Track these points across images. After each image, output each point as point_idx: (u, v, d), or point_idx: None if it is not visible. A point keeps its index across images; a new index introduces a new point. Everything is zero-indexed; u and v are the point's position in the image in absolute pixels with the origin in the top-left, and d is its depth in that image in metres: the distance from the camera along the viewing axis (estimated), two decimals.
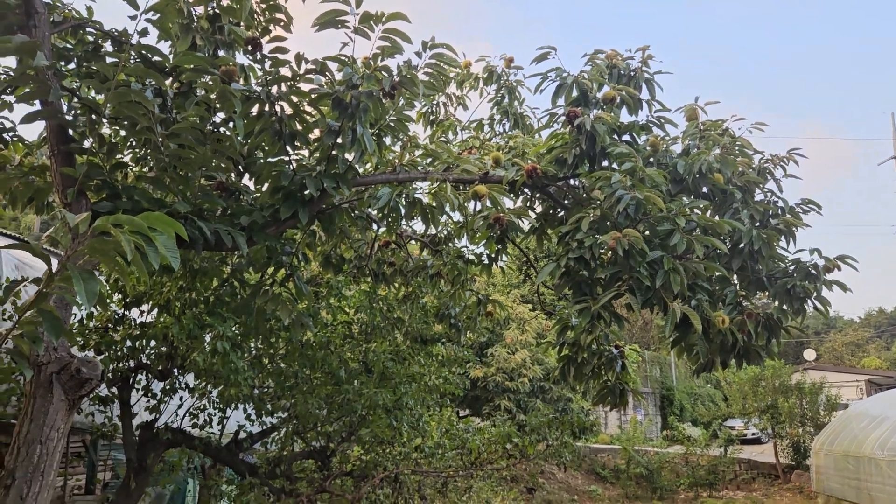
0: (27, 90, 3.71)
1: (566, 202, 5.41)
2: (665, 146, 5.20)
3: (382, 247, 7.10)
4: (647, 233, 4.43)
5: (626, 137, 5.19)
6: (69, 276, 2.36)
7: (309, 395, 6.49)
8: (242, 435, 7.18)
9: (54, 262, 2.50)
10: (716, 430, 24.49)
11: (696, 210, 4.60)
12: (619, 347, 5.54)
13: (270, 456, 7.13)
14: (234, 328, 5.69)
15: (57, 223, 5.80)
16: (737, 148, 5.21)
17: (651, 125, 5.30)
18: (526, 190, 5.48)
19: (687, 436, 22.93)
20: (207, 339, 5.70)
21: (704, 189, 5.06)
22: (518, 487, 18.09)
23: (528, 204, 5.84)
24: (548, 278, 4.76)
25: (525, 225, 5.49)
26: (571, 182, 5.37)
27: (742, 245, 4.87)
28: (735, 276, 5.12)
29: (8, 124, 5.12)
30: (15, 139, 5.20)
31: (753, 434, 27.32)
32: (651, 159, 5.05)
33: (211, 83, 4.05)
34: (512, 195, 5.16)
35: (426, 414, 7.50)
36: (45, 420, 3.30)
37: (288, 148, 4.38)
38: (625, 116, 5.28)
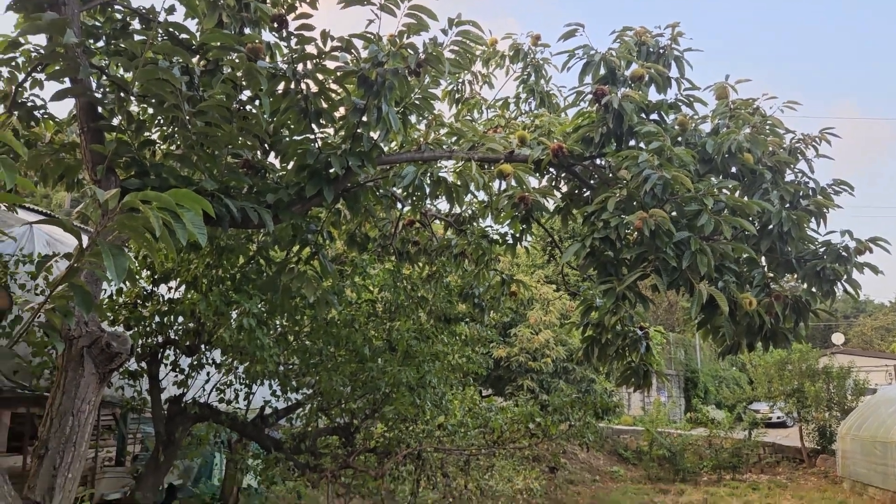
0: (57, 68, 3.75)
1: (592, 182, 5.36)
2: (694, 125, 5.11)
3: (407, 226, 7.11)
4: (673, 213, 4.37)
5: (654, 116, 5.12)
6: (99, 251, 2.40)
7: (333, 373, 6.55)
8: (268, 411, 7.28)
9: (85, 238, 2.54)
10: (740, 414, 24.28)
11: (724, 190, 4.53)
12: (643, 329, 5.50)
13: (295, 432, 7.23)
14: (259, 305, 5.75)
15: (87, 200, 5.89)
16: (767, 127, 5.11)
17: (680, 104, 5.22)
18: (552, 169, 5.43)
19: (711, 418, 22.80)
20: (234, 315, 5.78)
21: (733, 169, 4.98)
22: (540, 467, 18.14)
23: (553, 184, 5.79)
24: (573, 258, 4.73)
25: (550, 205, 5.45)
26: (598, 162, 5.32)
27: (771, 226, 4.79)
28: (763, 258, 5.04)
29: (38, 102, 5.20)
30: (45, 117, 5.28)
31: (779, 418, 27.06)
32: (679, 139, 4.97)
33: (237, 61, 4.06)
34: (537, 174, 5.12)
35: (449, 393, 7.55)
36: (76, 393, 3.37)
37: (313, 126, 4.39)
38: (653, 95, 5.21)
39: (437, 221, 7.49)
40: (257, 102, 4.35)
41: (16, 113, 5.08)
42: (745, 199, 4.66)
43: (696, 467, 21.08)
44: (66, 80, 3.96)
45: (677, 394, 35.70)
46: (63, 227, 2.55)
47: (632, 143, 4.91)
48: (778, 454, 22.50)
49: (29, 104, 5.12)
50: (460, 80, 7.36)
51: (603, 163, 5.29)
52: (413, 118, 5.15)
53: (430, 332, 7.30)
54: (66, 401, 3.35)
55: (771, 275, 4.92)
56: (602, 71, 5.20)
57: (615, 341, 5.33)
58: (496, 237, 6.76)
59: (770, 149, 5.02)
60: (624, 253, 4.60)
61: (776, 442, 23.09)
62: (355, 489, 6.87)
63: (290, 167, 4.80)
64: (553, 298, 22.34)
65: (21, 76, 4.73)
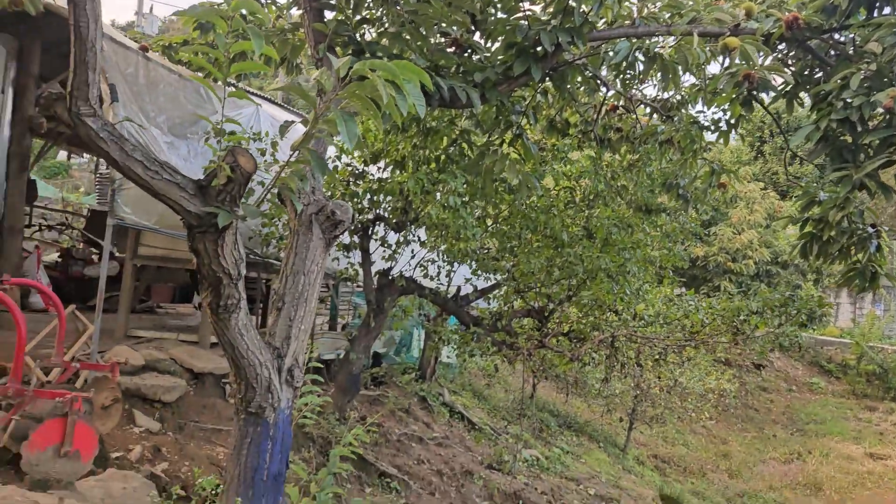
0: None
1: (829, 58, 4.75)
2: None
3: (610, 111, 6.82)
4: None
5: None
6: (333, 118, 2.54)
7: (532, 256, 6.63)
8: (468, 289, 7.59)
9: (318, 107, 2.70)
10: None
11: None
12: (874, 226, 4.94)
13: (492, 311, 7.50)
14: (463, 186, 5.89)
15: (317, 72, 6.24)
16: None
17: None
18: (781, 46, 4.88)
19: None
20: (438, 196, 5.99)
21: None
22: (732, 372, 17.56)
23: (780, 63, 5.22)
24: (803, 142, 4.31)
25: (778, 83, 4.93)
26: (837, 36, 4.69)
27: None
28: None
29: None
30: (269, 1, 5.59)
31: None
32: None
33: None
34: (766, 48, 4.63)
35: (647, 282, 7.40)
36: (306, 254, 3.71)
37: (523, 2, 4.27)
38: None
39: (642, 107, 7.10)
40: None
41: None
42: None
43: None
44: None
45: None
46: (301, 95, 2.73)
47: (887, 11, 4.25)
48: None
49: None
50: None
51: (843, 38, 4.66)
52: None
53: (632, 221, 7.10)
54: (298, 261, 3.70)
55: None
56: None
57: (840, 239, 4.85)
58: (707, 124, 6.29)
59: None
60: (865, 138, 4.09)
61: None
62: (548, 370, 7.07)
63: (496, 47, 4.74)
64: (758, 197, 20.80)
65: None
